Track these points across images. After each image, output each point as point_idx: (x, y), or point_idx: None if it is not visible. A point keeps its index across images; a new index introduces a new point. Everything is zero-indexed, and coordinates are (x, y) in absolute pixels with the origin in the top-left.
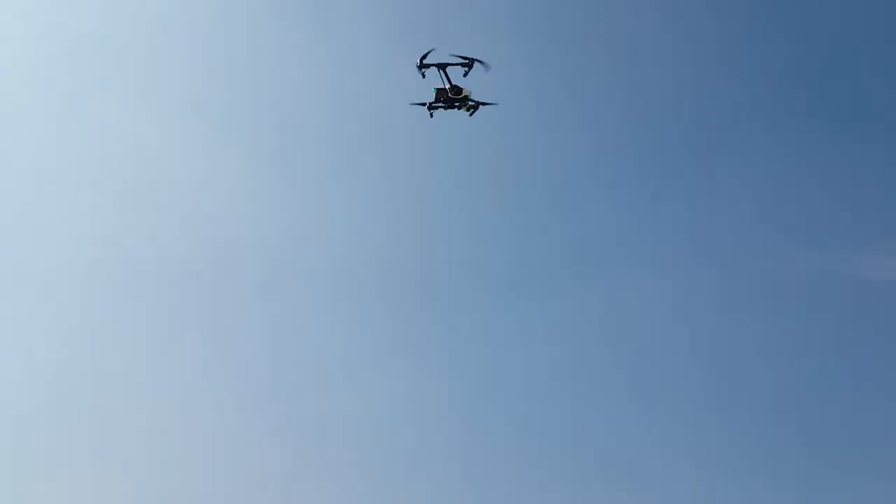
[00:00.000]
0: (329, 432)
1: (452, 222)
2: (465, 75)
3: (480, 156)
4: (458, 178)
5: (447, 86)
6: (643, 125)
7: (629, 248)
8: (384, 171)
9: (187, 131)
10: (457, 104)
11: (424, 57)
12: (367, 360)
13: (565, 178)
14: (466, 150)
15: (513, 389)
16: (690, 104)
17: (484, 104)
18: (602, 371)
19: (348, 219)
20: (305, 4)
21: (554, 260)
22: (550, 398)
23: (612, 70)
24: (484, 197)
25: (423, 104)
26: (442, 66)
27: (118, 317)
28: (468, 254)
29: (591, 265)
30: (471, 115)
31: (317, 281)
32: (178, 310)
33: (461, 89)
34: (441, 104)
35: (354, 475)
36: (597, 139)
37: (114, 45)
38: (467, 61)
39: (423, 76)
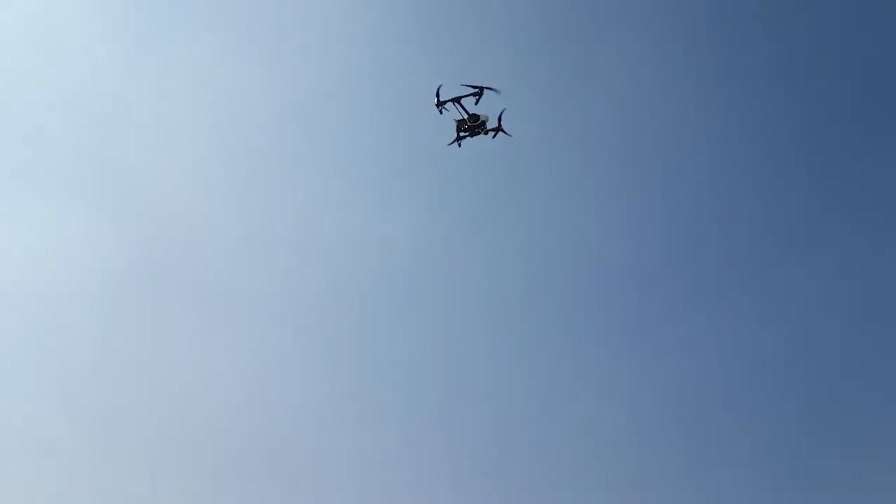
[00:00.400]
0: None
1: None
2: (475, 103)
3: None
4: None
5: (465, 116)
6: None
7: None
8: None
9: None
10: (478, 130)
11: (438, 95)
12: None
13: None
14: None
15: None
16: None
17: (501, 126)
18: None
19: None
20: None
21: None
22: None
23: None
24: None
25: (454, 141)
26: (456, 100)
27: None
28: None
29: None
30: (493, 137)
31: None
32: None
33: (478, 116)
34: (465, 133)
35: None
36: None
37: None
38: (477, 90)
39: (441, 112)
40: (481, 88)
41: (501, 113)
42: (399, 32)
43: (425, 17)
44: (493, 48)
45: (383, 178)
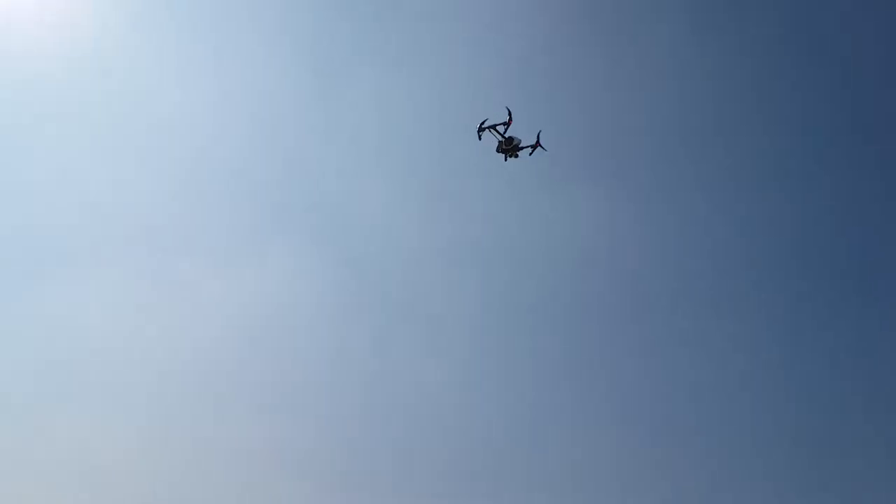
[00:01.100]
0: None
1: None
2: (505, 131)
3: None
4: None
5: (502, 140)
6: None
7: None
8: None
9: None
10: (517, 152)
11: (480, 126)
12: None
13: None
14: None
15: None
16: None
17: (538, 145)
18: None
19: None
20: None
21: None
22: None
23: None
24: None
25: (502, 154)
26: (492, 128)
27: None
28: None
29: None
30: (531, 154)
31: None
32: None
33: (512, 139)
34: (508, 153)
35: None
36: None
37: None
38: (505, 120)
39: (480, 138)
40: (509, 117)
41: (539, 134)
42: None
43: None
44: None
45: None
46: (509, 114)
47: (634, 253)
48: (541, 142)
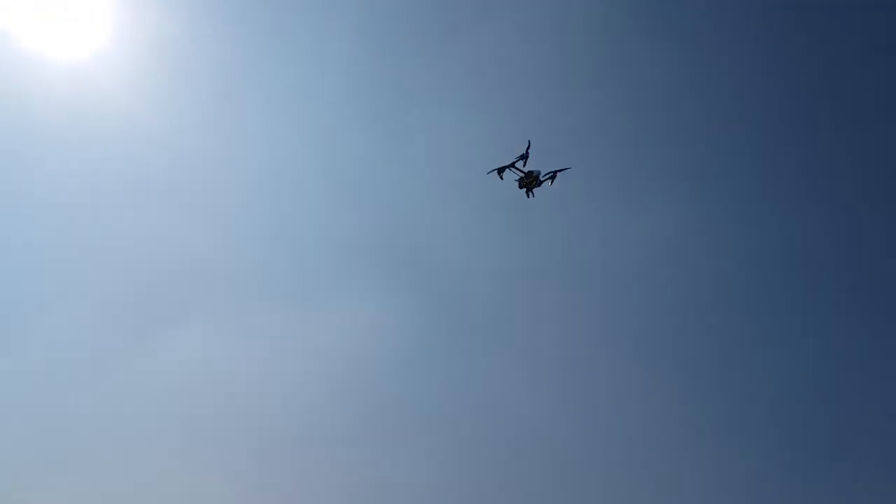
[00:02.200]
0: None
1: None
2: (524, 165)
3: None
4: None
5: (522, 175)
6: None
7: None
8: None
9: None
10: (539, 183)
11: (501, 169)
12: None
13: None
14: None
15: None
16: None
17: (557, 172)
18: None
19: None
20: None
21: None
22: None
23: None
24: None
25: (524, 189)
26: (510, 166)
27: None
28: None
29: None
30: (552, 184)
31: None
32: None
33: (531, 172)
34: (531, 185)
35: None
36: None
37: None
38: (523, 154)
39: (502, 178)
40: (526, 151)
41: (562, 170)
42: None
43: None
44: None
45: None
46: (527, 148)
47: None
48: (559, 168)
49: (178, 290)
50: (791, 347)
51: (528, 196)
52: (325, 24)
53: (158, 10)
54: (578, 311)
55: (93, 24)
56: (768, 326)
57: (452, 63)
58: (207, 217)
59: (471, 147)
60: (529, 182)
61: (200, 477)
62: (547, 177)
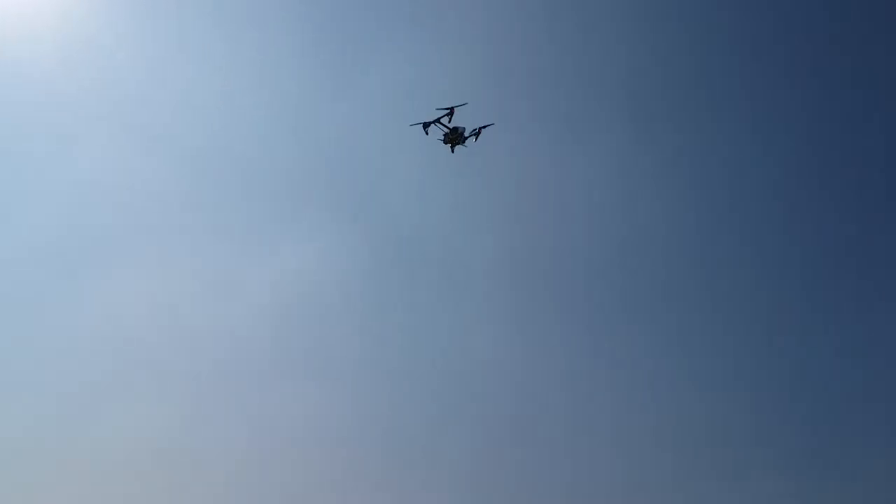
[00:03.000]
0: None
1: None
2: (449, 121)
3: None
4: None
5: (447, 130)
6: None
7: None
8: None
9: None
10: (464, 139)
11: (426, 123)
12: None
13: None
14: None
15: None
16: None
17: (482, 129)
18: None
19: None
20: None
21: None
22: None
23: None
24: None
25: (449, 145)
26: (436, 121)
27: None
28: None
29: None
30: (476, 140)
31: None
32: None
33: (457, 128)
34: (455, 142)
35: None
36: None
37: None
38: (447, 110)
39: (427, 133)
40: (451, 108)
41: (486, 126)
42: None
43: None
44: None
45: None
46: (451, 108)
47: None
48: (482, 126)
49: (115, 227)
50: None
51: (452, 151)
52: None
53: None
54: (528, 250)
55: None
56: None
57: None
58: (147, 151)
59: (423, 85)
60: (454, 138)
61: (135, 411)
62: (472, 133)
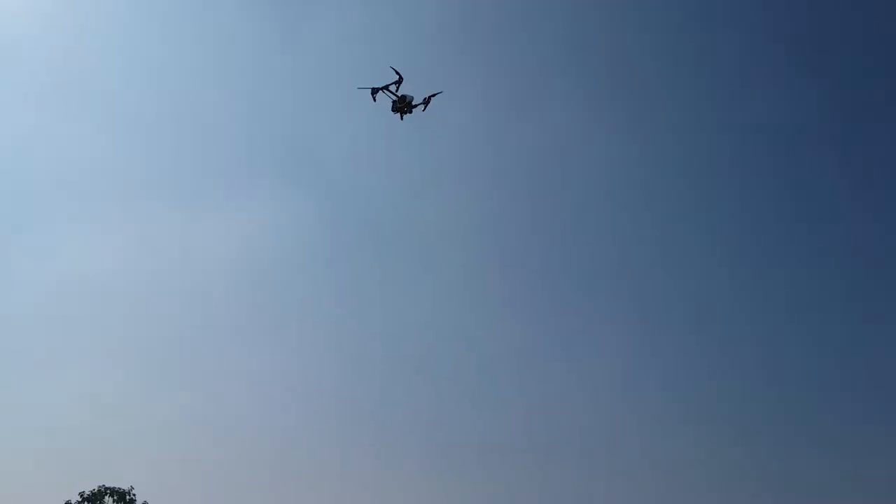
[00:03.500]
0: None
1: None
2: (397, 90)
3: None
4: None
5: (396, 98)
6: None
7: None
8: None
9: None
10: (412, 108)
11: (374, 90)
12: None
13: None
14: None
15: None
16: None
17: (431, 97)
18: None
19: None
20: None
21: None
22: None
23: None
24: None
25: (397, 113)
26: (384, 88)
27: None
28: None
29: None
30: (424, 110)
31: None
32: None
33: (405, 97)
34: (403, 111)
35: None
36: None
37: None
38: (396, 79)
39: (375, 100)
40: (398, 77)
41: (434, 95)
42: None
43: None
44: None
45: None
46: (398, 74)
47: None
48: (430, 95)
49: (56, 191)
50: None
51: (400, 119)
52: None
53: None
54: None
55: None
56: None
57: None
58: (86, 113)
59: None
60: (402, 107)
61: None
62: (420, 102)
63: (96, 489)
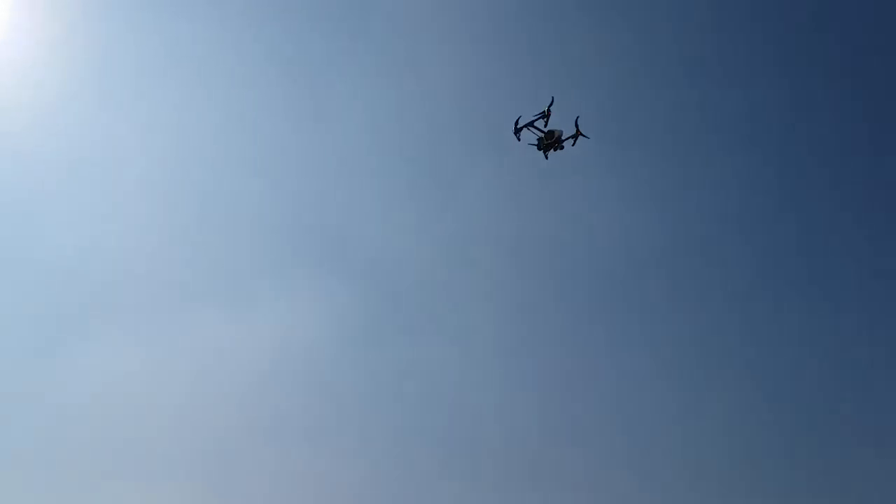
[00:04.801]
0: None
1: None
2: (545, 125)
3: None
4: None
5: (542, 135)
6: None
7: None
8: None
9: None
10: (561, 143)
11: (517, 126)
12: None
13: None
14: None
15: None
16: None
17: (579, 132)
18: None
19: None
20: None
21: None
22: None
23: None
24: None
25: (542, 151)
26: (529, 125)
27: None
28: None
29: None
30: (573, 144)
31: None
32: None
33: (553, 132)
34: (552, 147)
35: None
36: None
37: None
38: (542, 113)
39: (519, 139)
40: (546, 110)
41: (577, 119)
42: None
43: None
44: None
45: None
46: (549, 106)
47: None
48: (580, 129)
49: (89, 297)
50: None
51: (545, 157)
52: None
53: None
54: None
55: None
56: None
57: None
58: (110, 216)
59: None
60: (551, 142)
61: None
62: (570, 136)
63: None
